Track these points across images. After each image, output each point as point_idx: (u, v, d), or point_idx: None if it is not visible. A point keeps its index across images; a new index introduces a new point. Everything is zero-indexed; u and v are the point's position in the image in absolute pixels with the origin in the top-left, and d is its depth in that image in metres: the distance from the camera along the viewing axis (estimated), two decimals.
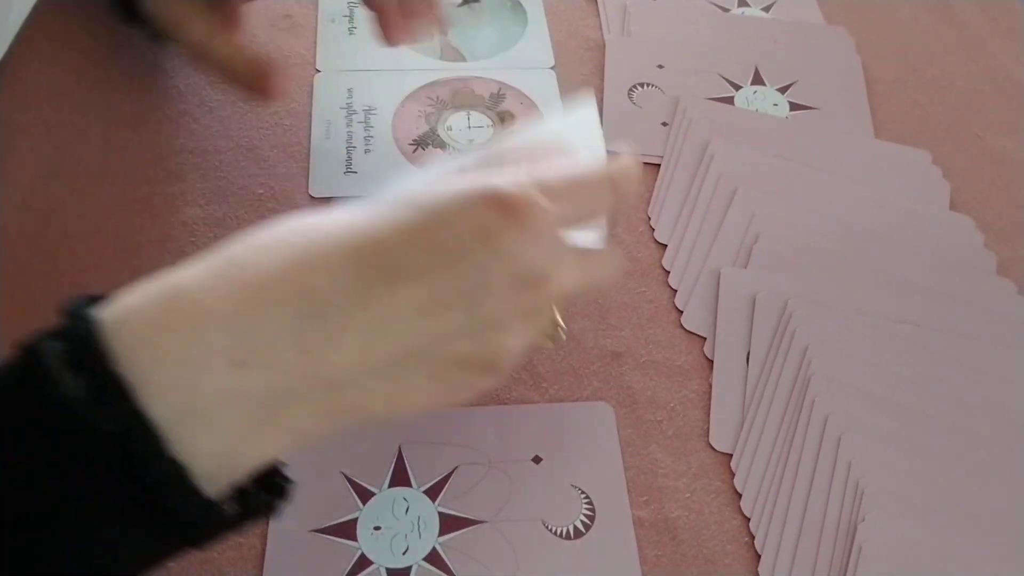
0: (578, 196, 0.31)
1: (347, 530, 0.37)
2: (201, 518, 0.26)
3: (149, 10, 0.46)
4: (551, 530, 0.37)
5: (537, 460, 0.38)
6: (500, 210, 0.28)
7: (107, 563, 0.26)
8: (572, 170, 0.31)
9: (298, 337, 0.27)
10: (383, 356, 0.28)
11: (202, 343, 0.26)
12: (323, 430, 0.28)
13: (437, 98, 0.55)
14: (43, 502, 0.24)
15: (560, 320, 0.35)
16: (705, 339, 0.45)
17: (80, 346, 0.25)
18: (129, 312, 0.26)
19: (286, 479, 0.29)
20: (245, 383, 0.26)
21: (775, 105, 0.56)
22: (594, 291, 0.35)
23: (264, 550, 0.36)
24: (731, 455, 0.41)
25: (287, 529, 0.37)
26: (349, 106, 0.54)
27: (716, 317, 0.45)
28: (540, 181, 0.29)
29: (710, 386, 0.43)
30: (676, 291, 0.47)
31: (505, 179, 0.29)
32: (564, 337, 0.35)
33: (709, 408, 0.42)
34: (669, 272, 0.48)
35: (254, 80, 0.45)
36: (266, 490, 0.29)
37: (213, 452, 0.26)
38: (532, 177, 0.29)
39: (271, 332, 0.27)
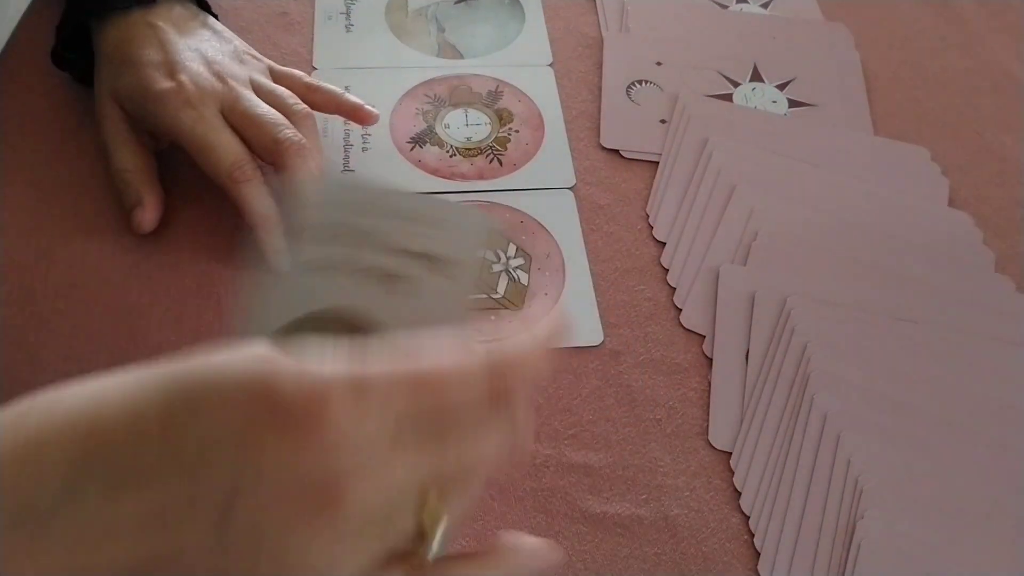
0: (431, 393, 0.24)
1: None
2: None
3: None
4: None
5: None
6: (271, 414, 0.21)
7: None
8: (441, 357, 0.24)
9: None
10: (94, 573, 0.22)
11: None
12: None
13: (435, 96, 0.55)
14: None
15: (437, 532, 0.24)
16: (704, 337, 0.45)
17: None
18: None
19: None
20: None
21: (774, 102, 0.56)
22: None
23: None
24: (730, 453, 0.41)
25: None
26: None
27: (715, 315, 0.45)
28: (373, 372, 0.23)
29: (709, 384, 0.43)
30: (675, 289, 0.47)
31: (306, 367, 0.22)
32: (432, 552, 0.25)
33: (708, 406, 0.42)
34: (668, 270, 0.48)
35: (130, 208, 0.46)
36: None
37: None
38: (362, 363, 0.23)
39: None
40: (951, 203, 0.52)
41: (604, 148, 0.53)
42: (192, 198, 0.47)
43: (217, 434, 0.22)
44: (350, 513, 0.22)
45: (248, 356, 0.22)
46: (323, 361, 0.23)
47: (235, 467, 0.21)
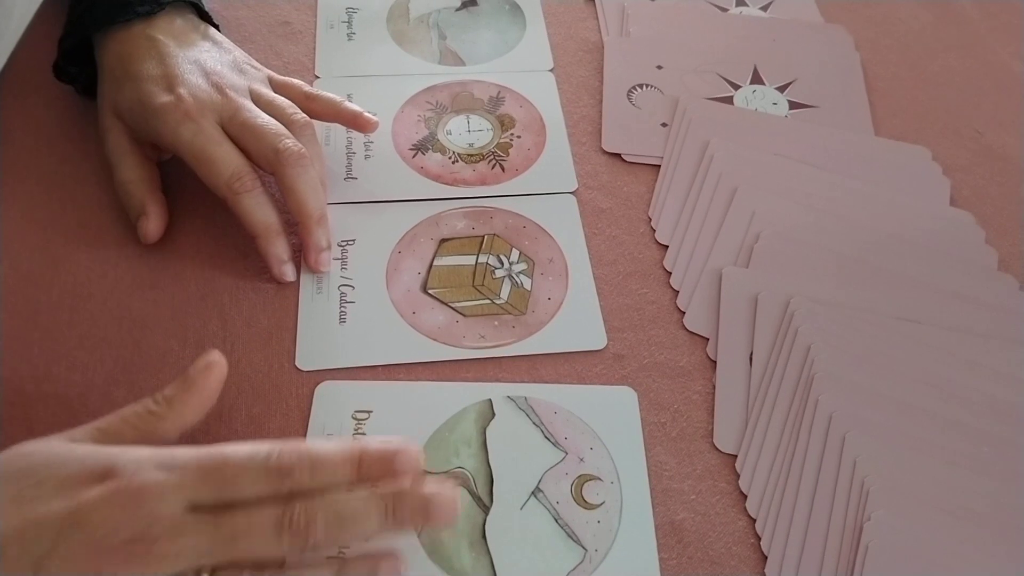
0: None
1: None
2: None
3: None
4: None
5: None
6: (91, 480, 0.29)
7: None
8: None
9: None
10: None
11: None
12: None
13: (436, 102, 0.55)
14: None
15: None
16: (708, 340, 0.45)
17: None
18: None
19: None
20: None
21: (774, 104, 0.56)
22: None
23: None
24: (736, 456, 0.41)
25: None
26: None
27: (718, 317, 0.45)
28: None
29: (713, 387, 0.43)
30: (678, 292, 0.47)
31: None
32: None
33: (713, 409, 0.42)
34: (671, 273, 0.48)
35: (134, 219, 0.46)
36: None
37: None
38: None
39: None
40: (952, 203, 0.52)
41: (606, 152, 0.53)
42: (196, 207, 0.48)
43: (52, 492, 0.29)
44: (150, 567, 0.28)
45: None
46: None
47: (59, 518, 0.28)
